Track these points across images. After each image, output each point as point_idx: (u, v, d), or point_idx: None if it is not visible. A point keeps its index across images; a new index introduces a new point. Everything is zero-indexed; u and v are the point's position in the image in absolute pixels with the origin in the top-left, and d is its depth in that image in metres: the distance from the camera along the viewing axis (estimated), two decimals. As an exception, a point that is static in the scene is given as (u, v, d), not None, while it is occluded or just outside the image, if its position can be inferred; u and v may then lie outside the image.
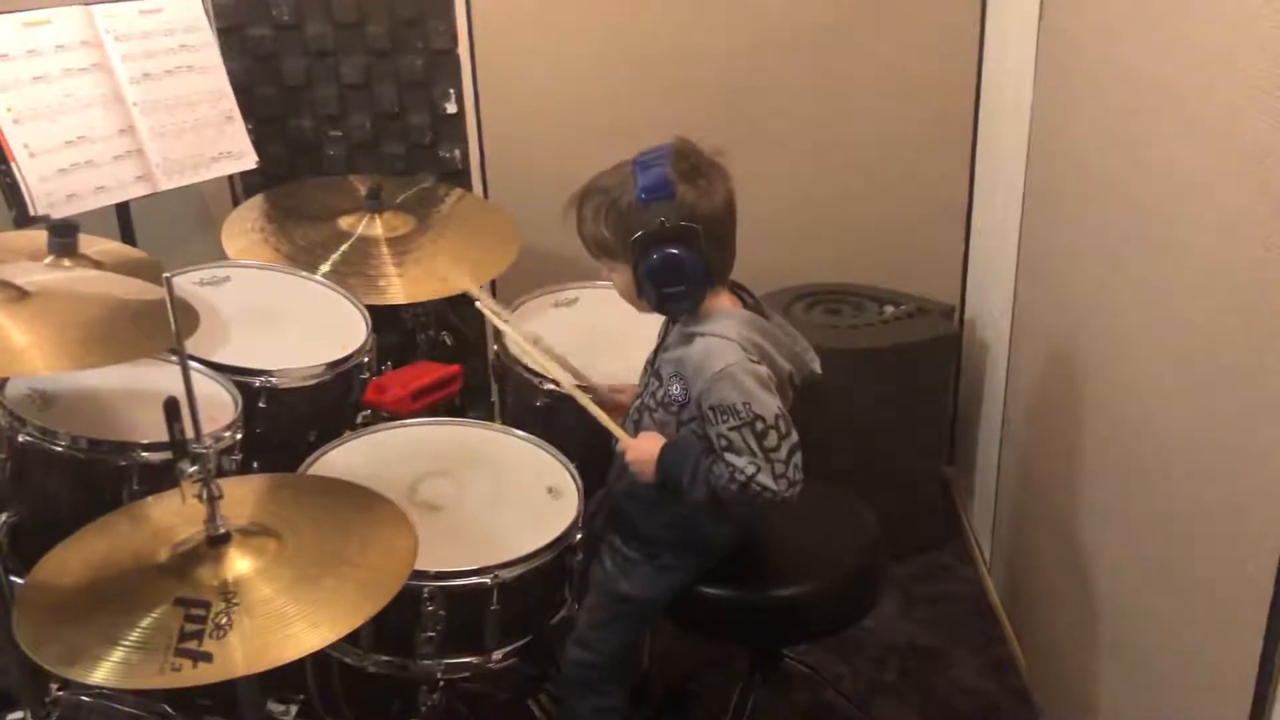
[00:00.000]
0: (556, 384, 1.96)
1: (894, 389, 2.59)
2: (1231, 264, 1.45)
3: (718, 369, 1.61)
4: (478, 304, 2.13)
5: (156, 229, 2.50)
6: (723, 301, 1.71)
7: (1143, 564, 1.76)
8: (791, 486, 1.60)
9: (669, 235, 1.61)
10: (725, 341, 1.64)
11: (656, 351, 1.79)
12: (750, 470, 1.58)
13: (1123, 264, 1.82)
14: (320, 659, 1.85)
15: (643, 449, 1.71)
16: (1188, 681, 1.62)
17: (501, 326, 2.07)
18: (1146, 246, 1.72)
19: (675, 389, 1.69)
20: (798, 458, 1.61)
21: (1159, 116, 1.67)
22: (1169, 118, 1.64)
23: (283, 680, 1.93)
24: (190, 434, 1.42)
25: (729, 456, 1.60)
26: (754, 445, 1.59)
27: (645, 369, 1.81)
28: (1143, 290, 1.74)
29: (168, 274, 1.37)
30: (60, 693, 1.89)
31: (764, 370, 1.64)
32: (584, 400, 1.84)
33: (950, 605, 2.60)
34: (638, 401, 1.80)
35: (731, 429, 1.59)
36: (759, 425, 1.59)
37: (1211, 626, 1.54)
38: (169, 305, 1.36)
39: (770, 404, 1.61)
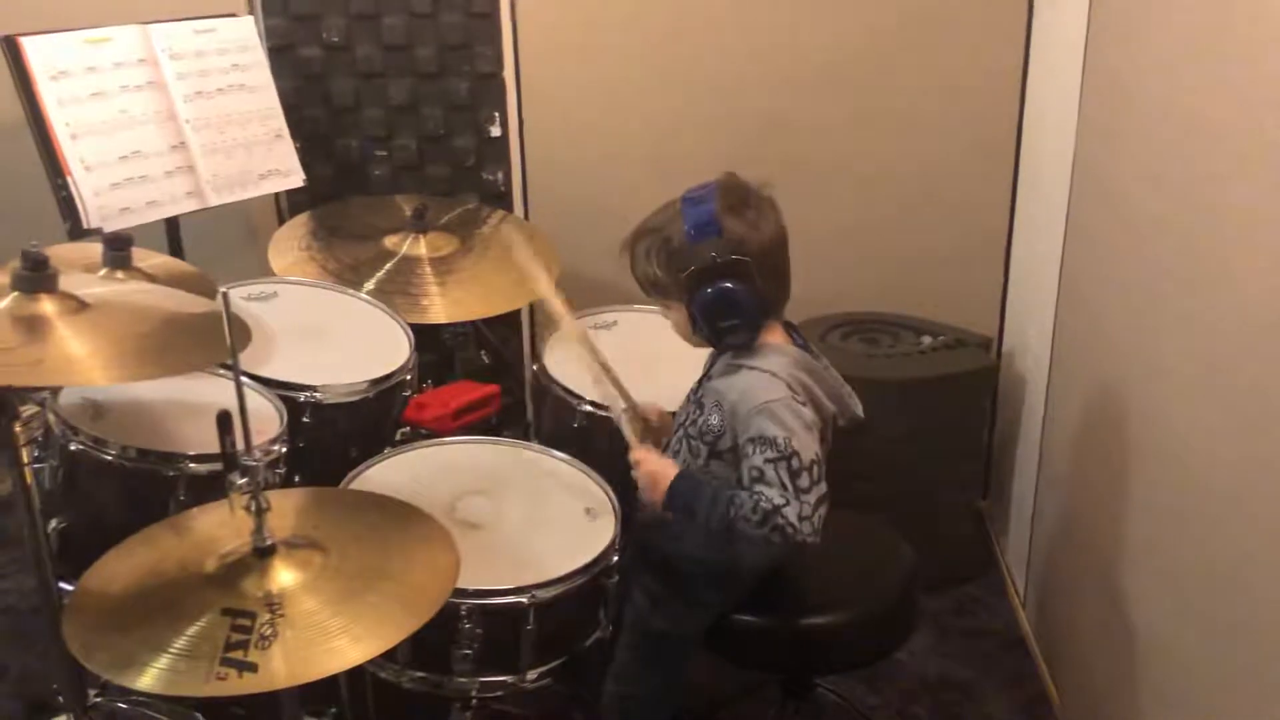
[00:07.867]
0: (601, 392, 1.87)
1: (930, 420, 2.58)
2: (1280, 304, 1.44)
3: (759, 403, 1.60)
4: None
5: (204, 244, 2.54)
6: (775, 337, 1.69)
7: (1182, 604, 1.74)
8: (814, 533, 1.57)
9: (721, 270, 1.60)
10: (771, 377, 1.63)
11: (701, 380, 1.78)
12: (779, 501, 1.56)
13: (1167, 301, 1.81)
14: (355, 672, 1.85)
15: (654, 465, 1.69)
16: (1228, 724, 1.60)
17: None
18: (1192, 284, 1.71)
19: (714, 419, 1.68)
20: (823, 510, 1.59)
21: (1207, 155, 1.67)
22: (1218, 156, 1.63)
23: (315, 693, 1.94)
24: (241, 447, 1.44)
25: (758, 487, 1.58)
26: (786, 480, 1.56)
27: (688, 397, 1.80)
28: (1188, 328, 1.73)
29: (224, 289, 1.40)
30: (99, 699, 1.92)
31: (809, 413, 1.62)
32: (610, 397, 1.80)
33: (984, 640, 2.58)
34: (678, 431, 1.78)
35: (767, 461, 1.58)
36: (794, 463, 1.57)
37: (1253, 672, 1.52)
38: (225, 320, 1.38)
39: (810, 446, 1.59)
